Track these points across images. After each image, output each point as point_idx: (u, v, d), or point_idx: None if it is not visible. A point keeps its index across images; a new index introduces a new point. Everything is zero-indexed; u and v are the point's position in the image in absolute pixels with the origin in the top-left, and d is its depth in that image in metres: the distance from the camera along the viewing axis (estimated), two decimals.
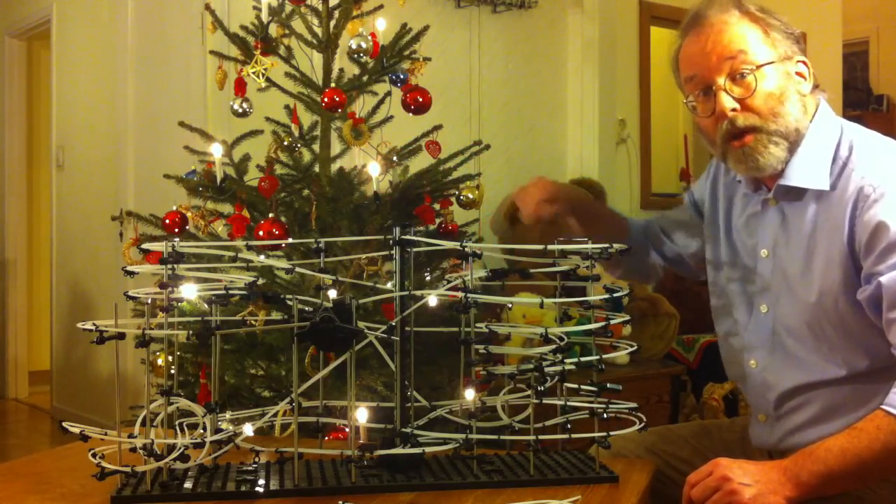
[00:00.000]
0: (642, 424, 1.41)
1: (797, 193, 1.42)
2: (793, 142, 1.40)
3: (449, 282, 1.49)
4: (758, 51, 1.39)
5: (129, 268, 1.38)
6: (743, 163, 1.41)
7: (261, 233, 1.82)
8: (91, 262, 4.51)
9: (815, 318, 1.40)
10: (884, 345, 1.32)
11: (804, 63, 1.44)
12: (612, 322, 1.45)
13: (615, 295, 1.44)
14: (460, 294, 1.32)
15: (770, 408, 1.48)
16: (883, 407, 1.26)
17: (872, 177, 1.33)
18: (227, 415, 1.48)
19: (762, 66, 1.39)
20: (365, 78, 2.18)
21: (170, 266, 1.28)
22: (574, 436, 1.44)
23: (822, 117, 1.44)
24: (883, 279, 1.29)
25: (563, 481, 1.35)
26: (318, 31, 2.19)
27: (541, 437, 1.37)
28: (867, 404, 1.33)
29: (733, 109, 1.39)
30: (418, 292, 1.39)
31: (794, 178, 1.41)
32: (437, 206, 2.09)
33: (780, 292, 1.46)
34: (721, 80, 1.39)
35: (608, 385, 1.43)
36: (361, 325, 1.36)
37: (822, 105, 1.46)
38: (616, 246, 1.40)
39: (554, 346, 1.35)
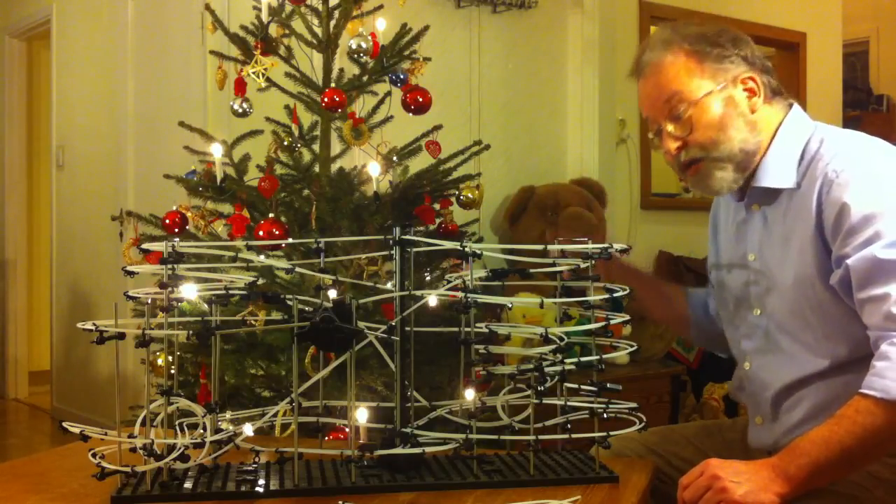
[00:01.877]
0: (642, 424, 1.41)
1: (772, 194, 1.46)
2: (739, 162, 1.46)
3: (449, 282, 1.49)
4: (692, 87, 1.45)
5: (129, 268, 1.38)
6: (698, 187, 1.51)
7: (261, 233, 1.82)
8: (91, 262, 4.51)
9: (798, 306, 1.42)
10: (863, 330, 1.33)
11: (752, 79, 1.47)
12: (612, 322, 1.45)
13: (615, 295, 1.45)
14: (460, 294, 1.32)
15: (767, 408, 1.49)
16: (861, 390, 1.26)
17: (836, 162, 1.37)
18: (227, 415, 1.48)
19: (698, 100, 1.44)
20: (365, 78, 2.18)
21: (170, 266, 1.28)
22: (574, 436, 1.44)
23: (792, 122, 1.48)
24: (850, 261, 1.31)
25: (563, 481, 1.35)
26: (318, 31, 2.19)
27: (541, 437, 1.37)
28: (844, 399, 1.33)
29: (677, 148, 1.47)
30: (418, 292, 1.39)
31: (764, 179, 1.46)
32: (437, 206, 2.09)
33: (769, 290, 1.48)
34: (664, 123, 1.47)
35: (608, 385, 1.44)
36: (361, 325, 1.36)
37: (792, 111, 1.50)
38: (616, 246, 1.41)
39: (554, 346, 1.35)
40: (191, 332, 1.30)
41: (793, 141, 1.45)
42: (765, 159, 1.46)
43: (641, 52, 1.51)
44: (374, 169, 1.76)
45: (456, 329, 1.41)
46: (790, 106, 1.50)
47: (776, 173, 1.44)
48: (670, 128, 1.46)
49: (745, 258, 1.52)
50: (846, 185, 1.34)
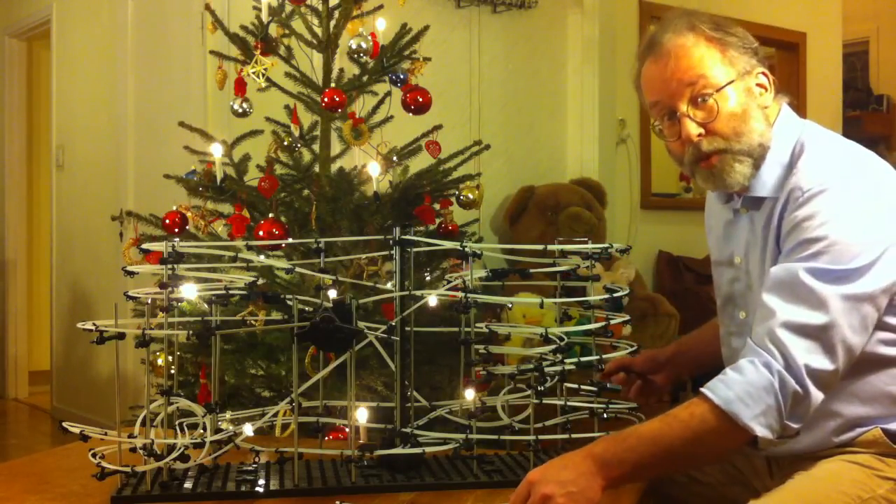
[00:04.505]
0: None
1: (759, 201, 1.44)
2: (757, 157, 1.42)
3: (449, 282, 1.49)
4: (717, 73, 1.39)
5: (129, 268, 1.38)
6: (711, 181, 1.44)
7: (261, 233, 1.82)
8: (91, 262, 4.51)
9: None
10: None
11: (764, 74, 1.44)
12: (612, 322, 1.45)
13: (615, 295, 1.45)
14: (460, 294, 1.32)
15: None
16: (704, 391, 1.24)
17: (804, 180, 1.35)
18: (227, 415, 1.48)
19: (723, 87, 1.39)
20: (365, 78, 2.18)
21: (170, 266, 1.28)
22: (574, 436, 1.44)
23: (783, 123, 1.45)
24: (774, 267, 1.31)
25: None
26: (318, 31, 2.20)
27: (541, 437, 1.37)
28: (834, 411, 1.35)
29: (699, 135, 1.40)
30: (418, 292, 1.40)
31: (756, 188, 1.43)
32: (437, 206, 2.09)
33: (753, 294, 1.46)
34: (684, 107, 1.40)
35: (608, 385, 1.44)
36: (361, 325, 1.36)
37: (783, 110, 1.46)
38: (616, 245, 1.41)
39: (554, 346, 1.35)
40: (191, 332, 1.30)
41: (782, 147, 1.42)
42: (761, 168, 1.42)
43: (659, 32, 1.43)
44: (374, 169, 1.76)
45: (456, 329, 1.41)
46: (781, 107, 1.47)
47: (767, 182, 1.42)
48: (692, 113, 1.40)
49: (732, 259, 1.51)
50: (806, 206, 1.32)
